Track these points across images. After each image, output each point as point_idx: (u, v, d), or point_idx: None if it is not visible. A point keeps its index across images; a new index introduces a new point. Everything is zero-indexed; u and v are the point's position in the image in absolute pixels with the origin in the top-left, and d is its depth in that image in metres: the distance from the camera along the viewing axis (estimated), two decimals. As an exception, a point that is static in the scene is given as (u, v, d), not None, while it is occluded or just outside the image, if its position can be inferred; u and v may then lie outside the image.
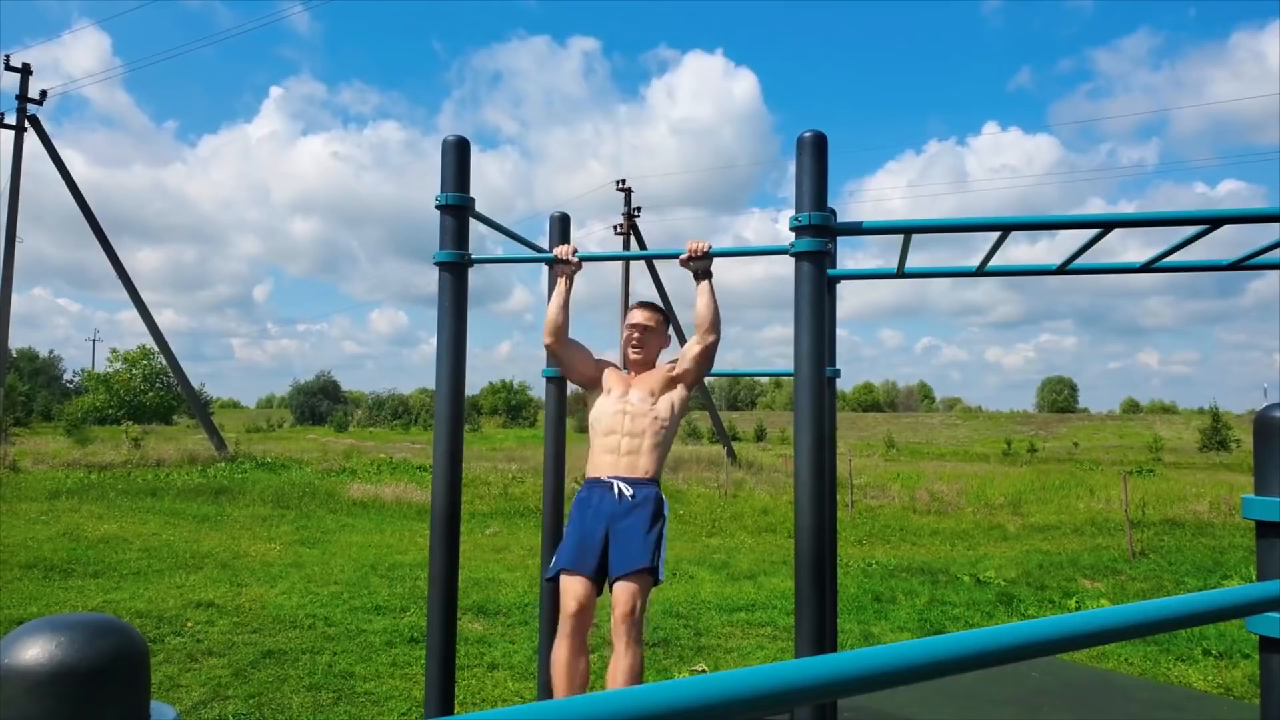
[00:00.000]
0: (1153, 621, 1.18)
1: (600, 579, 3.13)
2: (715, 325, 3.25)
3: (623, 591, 3.03)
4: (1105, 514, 15.01)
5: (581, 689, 3.02)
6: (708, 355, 3.30)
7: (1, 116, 22.05)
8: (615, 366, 3.56)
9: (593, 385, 3.47)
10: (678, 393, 3.36)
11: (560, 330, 3.39)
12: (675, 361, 3.40)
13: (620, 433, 3.30)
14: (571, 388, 3.80)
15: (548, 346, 3.48)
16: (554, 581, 3.23)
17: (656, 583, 3.15)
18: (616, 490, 3.19)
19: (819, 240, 2.33)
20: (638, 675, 2.99)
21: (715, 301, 3.22)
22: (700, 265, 3.15)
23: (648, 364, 3.47)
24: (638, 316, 3.50)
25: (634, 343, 3.45)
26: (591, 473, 3.32)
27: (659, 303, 3.55)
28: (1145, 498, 15.94)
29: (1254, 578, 1.62)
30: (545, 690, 3.70)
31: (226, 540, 10.64)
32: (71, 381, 70.18)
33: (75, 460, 20.26)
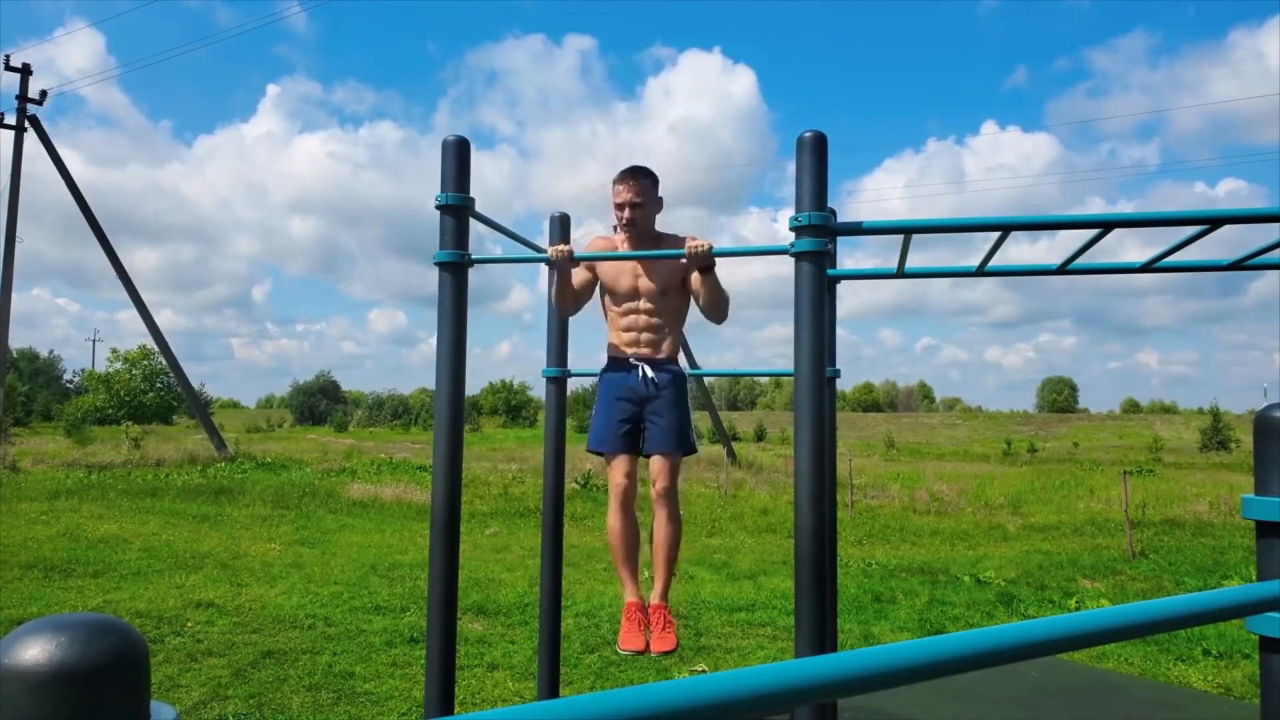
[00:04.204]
0: (1153, 621, 1.18)
1: (637, 451, 3.35)
2: (719, 310, 3.22)
3: (659, 466, 3.26)
4: (1105, 514, 15.01)
5: (636, 550, 3.34)
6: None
7: (1, 117, 22.07)
8: (607, 244, 3.37)
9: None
10: (687, 282, 3.33)
11: (571, 308, 3.40)
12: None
13: (639, 327, 3.36)
14: (571, 388, 3.80)
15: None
16: (594, 453, 3.43)
17: (691, 452, 3.35)
18: (642, 375, 3.31)
19: (819, 240, 2.33)
20: (678, 541, 3.28)
21: (721, 291, 3.17)
22: (702, 264, 3.12)
23: (646, 235, 3.32)
24: (623, 193, 3.27)
25: (626, 222, 3.28)
26: (614, 350, 3.42)
27: (641, 165, 3.35)
28: (1145, 498, 15.94)
29: (1254, 578, 1.62)
30: (546, 689, 3.70)
31: (226, 540, 10.64)
32: (71, 381, 70.17)
33: (75, 460, 20.27)
